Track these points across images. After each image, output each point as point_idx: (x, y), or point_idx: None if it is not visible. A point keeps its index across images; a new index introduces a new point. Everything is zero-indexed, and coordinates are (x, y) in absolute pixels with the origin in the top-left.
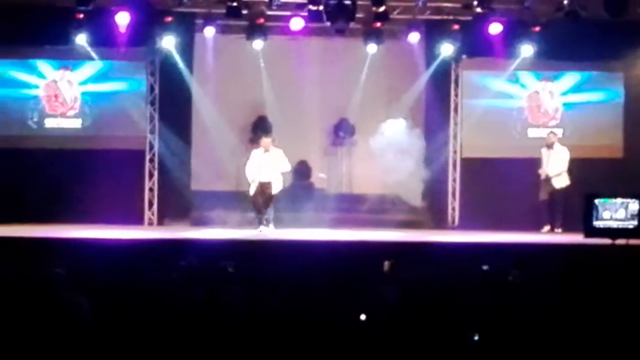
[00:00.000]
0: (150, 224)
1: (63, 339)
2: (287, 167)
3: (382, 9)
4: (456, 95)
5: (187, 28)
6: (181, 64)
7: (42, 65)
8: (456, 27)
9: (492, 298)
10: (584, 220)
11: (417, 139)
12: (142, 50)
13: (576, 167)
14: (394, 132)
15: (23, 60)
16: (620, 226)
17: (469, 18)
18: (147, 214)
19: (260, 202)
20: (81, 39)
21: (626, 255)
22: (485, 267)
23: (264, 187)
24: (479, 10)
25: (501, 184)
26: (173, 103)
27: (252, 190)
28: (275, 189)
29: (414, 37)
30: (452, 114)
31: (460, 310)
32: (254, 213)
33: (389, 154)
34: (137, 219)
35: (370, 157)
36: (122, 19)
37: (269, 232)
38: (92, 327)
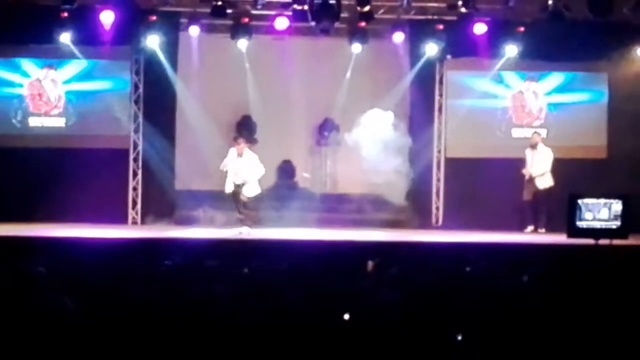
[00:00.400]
0: (134, 223)
1: (46, 339)
2: (260, 171)
3: (366, 8)
4: (440, 95)
5: (172, 27)
6: (166, 63)
7: (26, 64)
8: (441, 27)
9: (475, 298)
10: (568, 220)
11: (402, 134)
12: (126, 49)
13: (560, 167)
14: (379, 124)
15: (7, 59)
16: (604, 226)
17: (454, 18)
18: (130, 213)
19: (235, 201)
20: (65, 38)
21: (609, 255)
22: (467, 269)
23: (237, 189)
24: (463, 10)
25: (485, 184)
26: (157, 102)
27: (227, 187)
28: (248, 192)
29: (399, 37)
30: (436, 113)
31: (443, 310)
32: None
33: (373, 146)
34: (120, 218)
35: (355, 154)
36: (107, 17)
37: (245, 232)
38: (75, 327)
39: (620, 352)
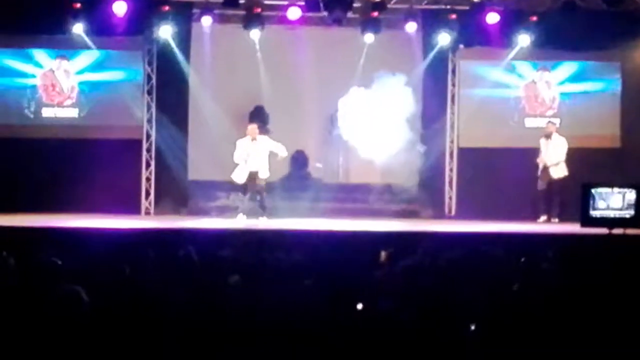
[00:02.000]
0: (147, 213)
1: (61, 330)
2: (283, 151)
3: None
4: (453, 85)
5: (184, 17)
6: (178, 54)
7: (39, 54)
8: (453, 16)
9: (489, 288)
10: (581, 209)
11: (415, 122)
12: (139, 40)
13: (573, 156)
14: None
15: (20, 50)
16: (617, 216)
17: (467, 8)
18: (143, 203)
19: (250, 190)
20: (78, 28)
21: (623, 244)
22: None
23: (253, 176)
24: (476, 0)
25: (498, 173)
26: (170, 92)
27: (234, 175)
28: (263, 175)
29: (412, 27)
30: (449, 103)
31: (457, 299)
32: (245, 200)
33: (385, 136)
34: (134, 209)
35: (367, 144)
36: (119, 8)
37: (262, 222)
38: (90, 317)
39: (634, 340)
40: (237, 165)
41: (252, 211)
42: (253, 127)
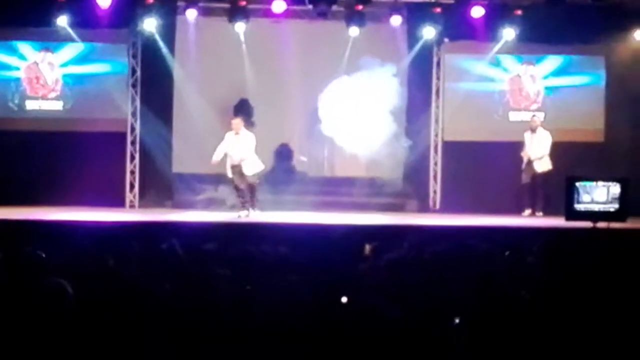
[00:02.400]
0: (132, 206)
1: (45, 323)
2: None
3: None
4: (438, 79)
5: (169, 10)
6: (163, 47)
7: (23, 47)
8: (438, 10)
9: (474, 282)
10: (565, 203)
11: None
12: (123, 33)
13: (557, 150)
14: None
15: (4, 42)
16: (602, 209)
17: (451, 1)
18: (128, 196)
19: (235, 184)
20: (62, 21)
21: (607, 238)
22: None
23: (236, 171)
24: None
25: (482, 167)
26: (155, 85)
27: (229, 173)
28: (248, 170)
29: (396, 20)
30: (433, 97)
31: (441, 293)
32: (237, 197)
33: (370, 129)
34: (118, 202)
35: (352, 138)
36: (104, 0)
37: (243, 215)
38: (74, 310)
39: (618, 334)
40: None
41: (237, 205)
42: (236, 122)
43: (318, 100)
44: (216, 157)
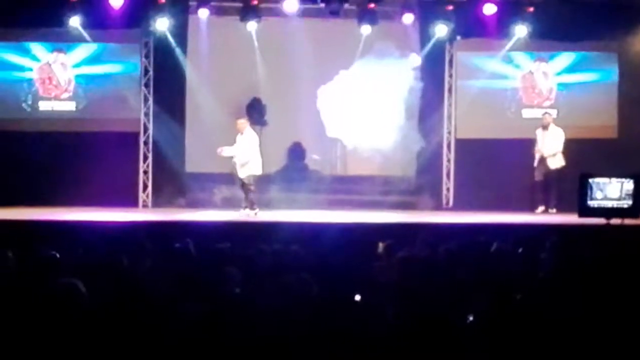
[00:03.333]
0: (145, 206)
1: (59, 322)
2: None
3: None
4: (450, 76)
5: (181, 10)
6: (175, 46)
7: (36, 47)
8: (450, 7)
9: (487, 279)
10: (579, 200)
11: (412, 114)
12: (136, 33)
13: (570, 147)
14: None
15: (17, 43)
16: (615, 206)
17: None
18: (141, 196)
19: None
20: (75, 21)
21: (621, 234)
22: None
23: (234, 170)
24: None
25: (495, 164)
26: (167, 85)
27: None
28: (242, 172)
29: (408, 18)
30: (446, 94)
31: (455, 291)
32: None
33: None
34: (131, 202)
35: (365, 136)
36: (116, 0)
37: (249, 214)
38: (88, 310)
39: (632, 330)
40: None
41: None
42: (241, 122)
43: (320, 95)
44: (225, 151)
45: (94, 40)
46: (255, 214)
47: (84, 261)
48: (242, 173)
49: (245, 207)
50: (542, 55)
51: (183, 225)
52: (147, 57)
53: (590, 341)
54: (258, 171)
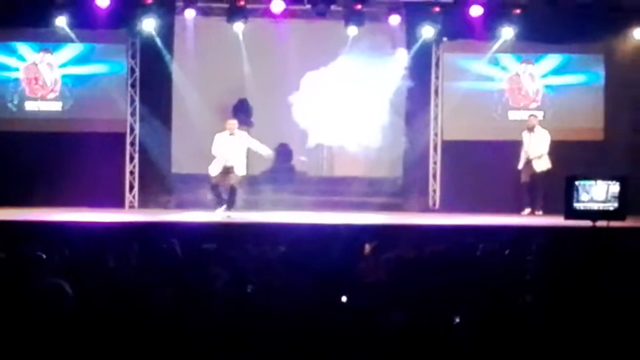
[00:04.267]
0: (131, 207)
1: (44, 323)
2: (266, 151)
3: None
4: (437, 78)
5: (168, 10)
6: (162, 47)
7: (22, 47)
8: (437, 9)
9: (473, 281)
10: (565, 202)
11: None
12: (122, 33)
13: (556, 149)
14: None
15: (3, 43)
16: (601, 208)
17: (450, 0)
18: (127, 197)
19: (218, 183)
20: (61, 21)
21: (606, 237)
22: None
23: (228, 171)
24: None
25: (482, 166)
26: (154, 86)
27: (213, 172)
28: (240, 171)
29: (395, 20)
30: (432, 96)
31: (441, 292)
32: (212, 195)
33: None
34: (117, 202)
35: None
36: (103, 1)
37: (223, 215)
38: (73, 311)
39: (618, 333)
40: (214, 158)
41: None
42: (232, 122)
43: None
44: (215, 163)
45: (81, 40)
46: (229, 216)
47: (70, 262)
48: (240, 172)
49: (226, 208)
50: (528, 57)
51: (169, 226)
52: (133, 57)
53: (576, 343)
54: (245, 172)
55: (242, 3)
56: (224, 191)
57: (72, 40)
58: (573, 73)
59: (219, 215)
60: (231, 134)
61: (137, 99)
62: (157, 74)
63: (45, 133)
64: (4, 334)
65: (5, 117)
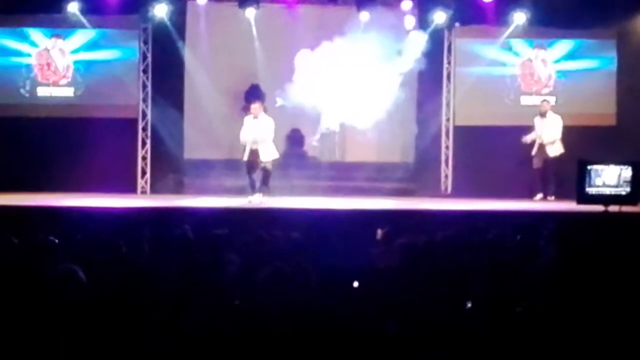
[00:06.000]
0: (143, 192)
1: (59, 308)
2: (270, 135)
3: None
4: (449, 63)
5: None
6: (174, 32)
7: (35, 33)
8: None
9: (485, 266)
10: (577, 187)
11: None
12: (134, 18)
13: (569, 135)
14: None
15: (15, 29)
16: (613, 193)
17: None
18: (139, 182)
19: (249, 168)
20: (73, 7)
21: (619, 221)
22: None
23: (253, 155)
24: None
25: (494, 152)
26: (165, 71)
27: (245, 156)
28: (265, 157)
29: (407, 5)
30: (444, 82)
31: (453, 278)
32: (247, 178)
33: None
34: (130, 188)
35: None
36: None
37: (255, 201)
38: (87, 296)
39: (630, 319)
40: (228, 142)
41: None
42: (255, 106)
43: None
44: (246, 147)
45: (93, 26)
46: (261, 202)
47: (83, 247)
48: (266, 157)
49: (259, 192)
50: (540, 43)
51: (181, 211)
52: (145, 43)
53: (588, 329)
54: (277, 155)
55: None
56: (257, 177)
57: (84, 26)
58: (585, 58)
59: (255, 200)
60: (255, 117)
61: (149, 84)
62: (169, 59)
63: (58, 119)
64: (17, 320)
65: (17, 103)
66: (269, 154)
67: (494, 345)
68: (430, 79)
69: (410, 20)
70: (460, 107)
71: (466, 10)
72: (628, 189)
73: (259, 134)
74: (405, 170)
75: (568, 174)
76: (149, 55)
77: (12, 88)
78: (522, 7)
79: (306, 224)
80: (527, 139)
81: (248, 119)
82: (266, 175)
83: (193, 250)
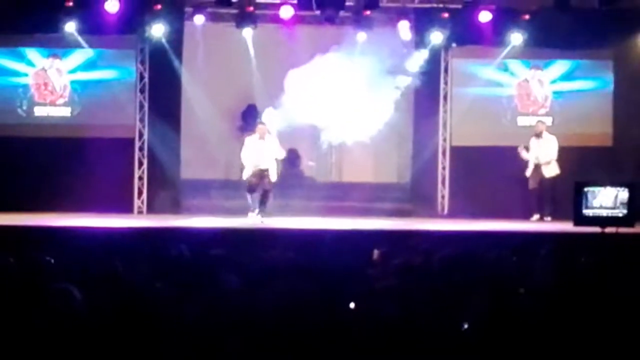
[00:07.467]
0: (140, 212)
1: (54, 328)
2: (282, 153)
3: None
4: (446, 84)
5: (177, 16)
6: (171, 52)
7: (32, 53)
8: (446, 15)
9: (482, 287)
10: (574, 208)
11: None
12: (132, 38)
13: (565, 155)
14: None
15: (12, 49)
16: (610, 214)
17: (459, 6)
18: (136, 202)
19: (255, 186)
20: (70, 27)
21: (616, 243)
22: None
23: (263, 174)
24: None
25: (491, 172)
26: (163, 91)
27: (245, 175)
28: (274, 177)
29: (404, 26)
30: (441, 102)
31: (450, 299)
32: (248, 197)
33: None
34: (126, 208)
35: (360, 143)
36: (112, 6)
37: (256, 220)
38: (83, 316)
39: (627, 340)
40: (243, 162)
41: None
42: (262, 127)
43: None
44: (247, 168)
45: (90, 46)
46: (262, 222)
47: (79, 267)
48: (274, 177)
49: (259, 212)
50: (537, 63)
51: (178, 231)
52: (142, 63)
53: (586, 350)
54: (275, 177)
55: (251, 9)
56: (257, 196)
57: (81, 46)
58: (582, 79)
59: (252, 220)
60: (261, 137)
61: (146, 104)
62: (166, 79)
63: (54, 138)
64: (13, 338)
65: (14, 123)
66: (275, 175)
67: None
68: (427, 99)
69: (407, 41)
70: (457, 127)
71: (463, 30)
72: (625, 211)
73: (272, 154)
74: (401, 190)
75: (565, 195)
76: (146, 75)
77: (9, 108)
78: (519, 28)
79: (302, 245)
80: (522, 154)
81: (251, 140)
82: (268, 195)
83: (190, 270)
